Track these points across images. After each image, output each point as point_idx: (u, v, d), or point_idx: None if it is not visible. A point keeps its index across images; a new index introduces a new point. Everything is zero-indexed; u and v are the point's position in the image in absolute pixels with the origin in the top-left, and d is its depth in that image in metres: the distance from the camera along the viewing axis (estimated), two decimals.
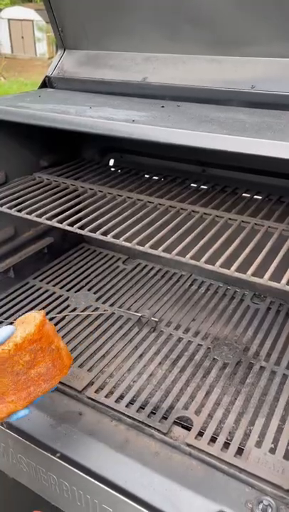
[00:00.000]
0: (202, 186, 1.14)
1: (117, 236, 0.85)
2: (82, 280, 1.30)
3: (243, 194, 1.10)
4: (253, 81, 0.95)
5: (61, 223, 0.89)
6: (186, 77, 1.03)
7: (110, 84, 1.10)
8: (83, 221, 0.92)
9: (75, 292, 1.24)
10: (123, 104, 0.98)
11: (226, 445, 0.79)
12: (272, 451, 0.77)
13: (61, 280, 1.29)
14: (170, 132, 0.74)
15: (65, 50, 1.21)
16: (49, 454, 0.80)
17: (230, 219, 0.94)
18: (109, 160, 1.33)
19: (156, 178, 1.20)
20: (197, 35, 1.02)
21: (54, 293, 1.23)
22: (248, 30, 0.96)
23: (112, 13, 1.08)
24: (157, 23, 1.05)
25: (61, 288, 1.25)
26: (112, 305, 1.19)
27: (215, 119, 0.84)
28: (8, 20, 13.63)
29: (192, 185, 1.16)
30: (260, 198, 1.06)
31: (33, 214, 0.94)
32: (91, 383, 0.92)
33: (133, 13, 1.05)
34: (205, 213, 0.97)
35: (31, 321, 0.69)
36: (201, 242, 0.83)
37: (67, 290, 1.25)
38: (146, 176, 1.21)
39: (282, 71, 0.93)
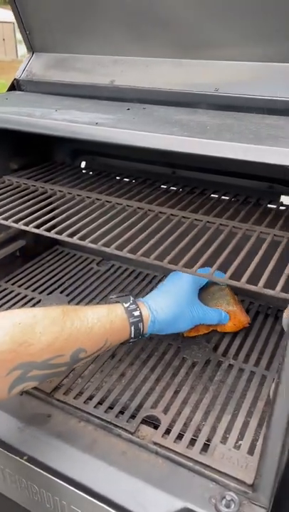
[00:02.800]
0: (172, 188, 1.16)
1: (83, 238, 0.86)
2: (55, 282, 1.30)
3: (212, 195, 1.11)
4: (217, 84, 0.97)
5: (27, 225, 0.89)
6: (153, 80, 1.05)
7: (78, 87, 1.11)
8: (53, 222, 0.92)
9: (48, 295, 1.24)
10: (90, 107, 0.98)
11: (192, 442, 0.80)
12: (237, 446, 0.79)
13: (34, 283, 1.29)
14: (131, 134, 0.75)
15: (33, 53, 1.21)
16: (17, 457, 0.80)
17: (196, 219, 0.95)
18: (80, 162, 1.34)
19: (127, 179, 1.21)
20: (163, 39, 1.04)
21: (26, 296, 1.23)
22: (212, 34, 0.98)
23: (78, 16, 1.09)
24: (124, 26, 1.06)
25: (33, 291, 1.25)
26: None
27: (178, 121, 0.85)
28: None
29: (162, 186, 1.17)
30: (227, 198, 1.08)
31: (1, 217, 0.94)
32: (60, 385, 0.93)
33: (99, 15, 1.06)
34: (172, 214, 0.98)
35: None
36: (166, 243, 0.84)
37: (40, 293, 1.24)
38: (118, 177, 1.22)
39: (245, 74, 0.95)
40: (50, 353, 0.71)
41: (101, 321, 0.79)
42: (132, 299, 0.87)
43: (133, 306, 0.85)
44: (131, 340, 0.86)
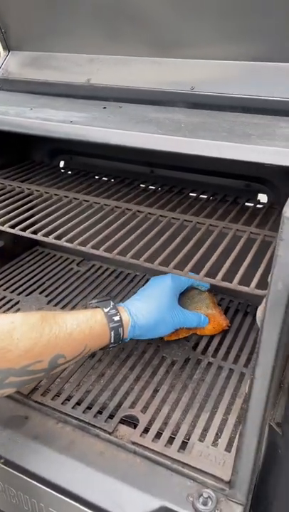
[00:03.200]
0: (150, 187, 1.15)
1: (59, 237, 0.85)
2: (34, 283, 1.28)
3: (190, 194, 1.11)
4: (193, 82, 0.97)
5: (2, 225, 0.88)
6: (129, 79, 1.04)
7: (54, 86, 1.10)
8: (30, 221, 0.91)
9: (26, 296, 1.23)
10: (65, 106, 0.98)
11: (171, 440, 0.80)
12: (215, 444, 0.79)
13: (12, 284, 1.27)
14: (105, 132, 0.75)
15: (9, 52, 1.20)
16: None
17: (173, 218, 0.95)
18: (59, 162, 1.33)
19: (106, 179, 1.20)
20: (139, 37, 1.04)
21: (4, 297, 1.21)
22: (187, 32, 0.98)
23: (54, 14, 1.08)
24: (100, 24, 1.06)
25: (12, 292, 1.24)
26: (63, 307, 1.18)
27: (153, 119, 0.85)
28: None
29: (141, 185, 1.16)
30: (205, 197, 1.08)
31: None
32: (38, 386, 0.92)
33: (75, 14, 1.06)
34: (150, 213, 0.97)
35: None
36: (143, 242, 0.84)
37: (18, 294, 1.23)
38: (96, 177, 1.21)
39: (220, 73, 0.96)
40: (28, 360, 0.71)
41: (80, 326, 0.79)
42: (112, 303, 0.86)
43: (113, 311, 0.85)
44: (111, 346, 0.85)
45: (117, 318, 0.85)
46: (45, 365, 0.74)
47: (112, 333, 0.84)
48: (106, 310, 0.85)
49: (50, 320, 0.76)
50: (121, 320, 0.85)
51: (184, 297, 1.09)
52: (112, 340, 0.84)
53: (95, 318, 0.83)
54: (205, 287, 1.09)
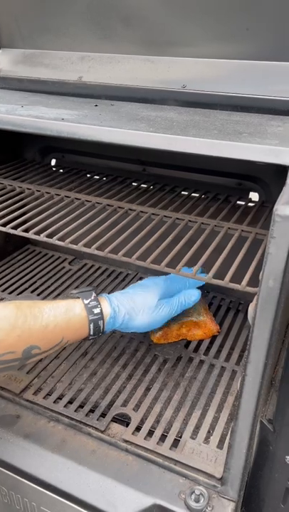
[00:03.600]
0: (142, 185, 1.15)
1: (51, 235, 0.84)
2: (25, 282, 1.28)
3: (182, 192, 1.11)
4: (184, 80, 0.97)
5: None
6: (121, 77, 1.04)
7: (45, 83, 1.09)
8: (21, 219, 0.90)
9: (18, 295, 1.22)
10: (56, 103, 0.97)
11: (163, 438, 0.80)
12: (207, 441, 0.79)
13: (3, 283, 1.27)
14: (97, 130, 0.75)
15: (0, 49, 1.19)
16: None
17: (165, 216, 0.95)
18: (51, 160, 1.32)
19: (98, 177, 1.20)
20: (131, 35, 1.03)
21: None
22: (179, 30, 0.98)
23: (46, 11, 1.07)
24: (91, 21, 1.05)
25: (3, 291, 1.23)
26: None
27: (145, 117, 0.85)
28: None
29: (133, 184, 1.16)
30: (197, 195, 1.08)
31: None
32: (30, 385, 0.91)
33: (67, 11, 1.05)
34: (142, 211, 0.97)
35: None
36: (135, 240, 0.84)
37: (9, 293, 1.22)
38: (88, 175, 1.21)
39: (212, 71, 0.96)
40: (0, 350, 0.70)
41: (57, 318, 0.76)
42: (93, 294, 0.83)
43: (94, 303, 0.81)
44: (90, 338, 0.82)
45: (97, 310, 0.80)
46: (18, 355, 0.72)
47: (92, 325, 0.80)
48: (86, 302, 0.80)
49: (25, 310, 0.74)
50: (101, 312, 0.81)
51: None
52: (92, 333, 0.81)
53: (74, 310, 0.78)
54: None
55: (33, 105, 0.94)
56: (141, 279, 1.29)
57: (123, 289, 1.14)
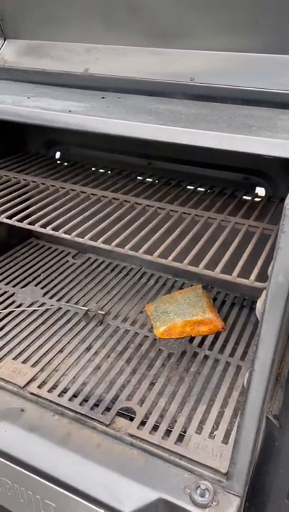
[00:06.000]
0: (148, 179, 1.15)
1: (57, 229, 0.84)
2: (29, 275, 1.27)
3: (188, 187, 1.11)
4: (193, 73, 0.96)
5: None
6: (128, 69, 1.03)
7: (52, 75, 1.08)
8: (26, 212, 0.90)
9: (22, 288, 1.21)
10: (63, 95, 0.96)
11: (168, 433, 0.79)
12: (212, 436, 0.79)
13: (7, 276, 1.26)
14: (105, 122, 0.74)
15: (5, 40, 1.17)
16: None
17: (171, 210, 0.94)
18: (55, 153, 1.31)
19: (103, 171, 1.19)
20: (138, 27, 1.02)
21: None
22: (187, 23, 0.97)
23: (50, 1, 1.06)
24: (99, 13, 1.04)
25: (7, 284, 1.22)
26: (59, 300, 1.17)
27: (153, 110, 0.84)
28: None
29: (138, 178, 1.16)
30: (203, 190, 1.08)
31: None
32: (34, 378, 0.91)
33: (73, 2, 1.04)
34: (148, 205, 0.97)
35: None
36: (141, 234, 0.83)
37: (13, 286, 1.22)
38: (93, 168, 1.20)
39: (220, 64, 0.95)
40: None
41: None
42: None
43: None
44: None
45: None
46: None
47: None
48: None
49: None
50: None
51: (181, 299, 1.09)
52: None
53: None
54: None
55: (39, 97, 0.93)
56: (144, 274, 1.28)
57: (127, 283, 1.14)
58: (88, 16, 1.05)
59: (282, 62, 0.88)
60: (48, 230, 0.83)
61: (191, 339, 1.04)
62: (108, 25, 1.05)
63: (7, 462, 0.78)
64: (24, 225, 0.86)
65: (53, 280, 1.26)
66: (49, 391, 0.88)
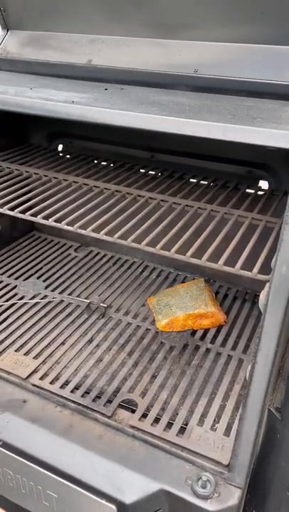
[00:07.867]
0: (150, 172, 1.14)
1: (59, 220, 0.84)
2: (31, 268, 1.27)
3: (191, 179, 1.10)
4: (196, 65, 0.95)
5: (1, 207, 0.87)
6: (131, 60, 1.02)
7: (55, 66, 1.08)
8: (29, 204, 0.90)
9: (24, 280, 1.21)
10: (66, 86, 0.96)
11: (169, 425, 0.80)
12: (214, 429, 0.79)
13: (10, 268, 1.26)
14: (108, 113, 0.73)
15: (8, 31, 1.17)
16: None
17: (174, 203, 0.94)
18: (58, 145, 1.31)
19: (105, 163, 1.19)
20: (142, 18, 1.01)
21: (1, 281, 1.20)
22: (191, 14, 0.96)
23: None
24: (102, 3, 1.03)
25: (9, 276, 1.22)
26: (61, 292, 1.17)
27: (156, 101, 0.83)
28: None
29: (141, 170, 1.15)
30: (206, 183, 1.07)
31: None
32: (36, 370, 0.91)
33: None
34: (150, 198, 0.97)
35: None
36: (144, 226, 0.83)
37: (16, 278, 1.22)
38: (95, 161, 1.20)
39: (224, 56, 0.94)
40: None
41: None
42: None
43: None
44: None
45: None
46: None
47: None
48: None
49: None
50: None
51: (184, 292, 1.09)
52: None
53: None
54: None
55: (42, 88, 0.93)
56: (147, 267, 1.28)
57: (129, 277, 1.14)
58: (91, 6, 1.04)
59: (287, 53, 0.87)
60: (51, 222, 0.83)
61: (193, 332, 1.04)
62: (112, 16, 1.04)
63: (9, 453, 0.79)
64: (26, 216, 0.86)
65: (55, 273, 1.26)
66: (51, 383, 0.88)
